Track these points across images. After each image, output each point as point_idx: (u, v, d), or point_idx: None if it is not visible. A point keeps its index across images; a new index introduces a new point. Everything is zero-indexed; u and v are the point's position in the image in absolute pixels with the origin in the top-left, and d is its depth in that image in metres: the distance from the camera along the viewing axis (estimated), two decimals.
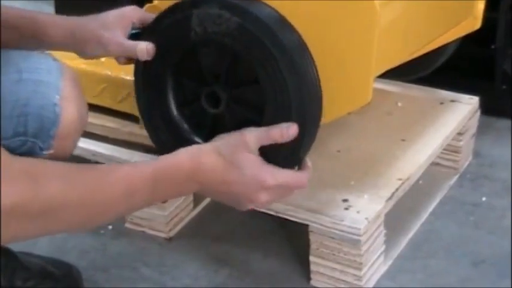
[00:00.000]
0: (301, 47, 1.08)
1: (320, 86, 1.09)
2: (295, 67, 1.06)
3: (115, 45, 1.13)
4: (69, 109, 1.03)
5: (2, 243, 0.81)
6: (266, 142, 1.04)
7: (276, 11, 1.08)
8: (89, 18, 1.15)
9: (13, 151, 0.94)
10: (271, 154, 1.06)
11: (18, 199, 0.79)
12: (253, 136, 1.02)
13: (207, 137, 1.12)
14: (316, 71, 1.09)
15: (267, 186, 1.01)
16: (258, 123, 1.08)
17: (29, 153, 1.02)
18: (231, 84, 1.12)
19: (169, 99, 1.18)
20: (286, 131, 1.05)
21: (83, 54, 1.15)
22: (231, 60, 1.10)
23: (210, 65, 1.13)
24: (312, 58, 1.09)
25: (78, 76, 1.07)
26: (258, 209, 1.05)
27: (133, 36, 1.15)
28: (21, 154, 0.99)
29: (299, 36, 1.08)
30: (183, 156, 0.97)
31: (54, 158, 0.98)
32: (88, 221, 0.89)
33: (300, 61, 1.07)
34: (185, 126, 1.18)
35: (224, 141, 1.01)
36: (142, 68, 1.18)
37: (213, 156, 0.99)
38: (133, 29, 1.16)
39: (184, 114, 1.18)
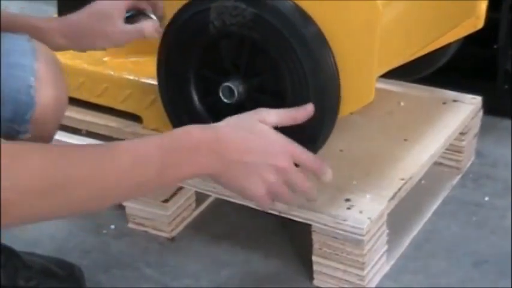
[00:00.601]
0: (318, 34, 1.11)
1: (338, 74, 1.13)
2: (313, 54, 1.10)
3: (120, 34, 1.15)
4: (45, 91, 1.00)
5: (16, 225, 0.80)
6: (284, 118, 1.02)
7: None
8: (84, 14, 1.16)
9: None
10: None
11: (26, 179, 0.78)
12: (270, 112, 1.01)
13: None
14: (334, 59, 1.12)
15: (289, 149, 0.98)
16: None
17: (6, 137, 1.00)
18: (252, 73, 1.15)
19: (192, 92, 1.21)
20: (303, 108, 1.06)
21: (92, 49, 1.16)
22: (250, 50, 1.14)
23: (230, 56, 1.16)
24: (329, 46, 1.12)
25: (56, 58, 1.05)
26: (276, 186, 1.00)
27: (129, 18, 1.18)
28: None
29: (315, 24, 1.11)
30: (193, 127, 0.95)
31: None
32: (101, 196, 0.86)
33: (317, 48, 1.11)
34: (208, 117, 1.21)
35: (237, 118, 1.00)
36: (164, 63, 1.21)
37: (227, 128, 0.97)
38: (127, 11, 1.18)
39: (207, 105, 1.21)
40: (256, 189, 0.98)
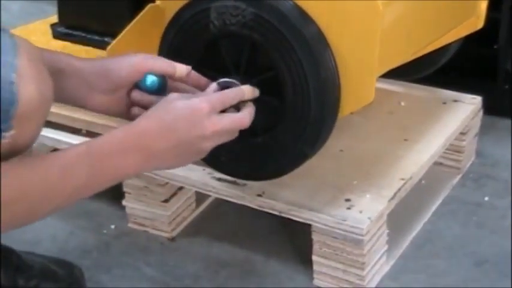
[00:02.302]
0: (318, 33, 1.11)
1: (338, 74, 1.13)
2: (313, 53, 1.10)
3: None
4: (27, 87, 0.96)
5: None
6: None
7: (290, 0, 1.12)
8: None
9: None
10: (291, 140, 1.12)
11: None
12: (176, 94, 1.03)
13: None
14: (334, 59, 1.12)
15: (205, 110, 1.00)
16: (281, 110, 1.14)
17: None
18: (252, 73, 1.15)
19: None
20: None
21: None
22: (250, 50, 1.14)
23: (231, 56, 1.16)
24: (329, 46, 1.12)
25: (39, 54, 1.02)
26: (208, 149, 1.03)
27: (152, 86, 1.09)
28: None
29: (315, 24, 1.11)
30: (118, 129, 0.98)
31: (18, 141, 0.94)
32: (33, 212, 0.90)
33: (317, 48, 1.11)
34: None
35: (153, 108, 1.02)
36: None
37: (146, 119, 0.99)
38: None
39: None
40: (196, 159, 1.03)
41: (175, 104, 1.00)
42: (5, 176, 0.86)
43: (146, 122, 0.99)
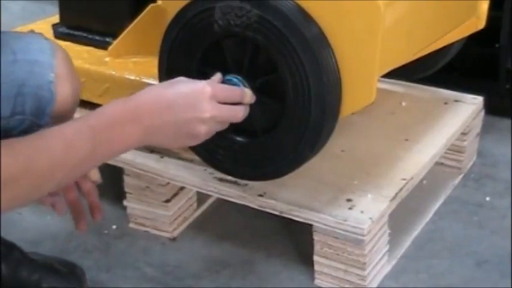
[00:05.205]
0: (321, 37, 1.12)
1: (339, 75, 1.13)
2: (314, 55, 1.10)
3: None
4: (63, 87, 1.03)
5: None
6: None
7: (294, 2, 1.12)
8: None
9: (13, 129, 1.00)
10: (291, 142, 1.12)
11: None
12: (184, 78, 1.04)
13: (234, 127, 1.15)
14: (335, 59, 1.12)
15: (207, 93, 1.01)
16: (282, 111, 1.14)
17: (28, 131, 1.00)
18: (254, 74, 1.15)
19: None
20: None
21: None
22: (254, 51, 1.14)
23: (234, 56, 1.16)
24: (331, 46, 1.12)
25: (69, 55, 1.07)
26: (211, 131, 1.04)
27: None
28: (21, 132, 1.01)
29: (317, 25, 1.12)
30: (117, 100, 0.98)
31: None
32: (38, 187, 0.90)
33: (318, 49, 1.11)
34: None
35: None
36: (166, 63, 1.21)
37: (146, 93, 0.99)
38: None
39: None
40: (192, 142, 1.03)
41: (179, 83, 1.01)
42: (8, 153, 0.85)
43: (144, 96, 0.99)
